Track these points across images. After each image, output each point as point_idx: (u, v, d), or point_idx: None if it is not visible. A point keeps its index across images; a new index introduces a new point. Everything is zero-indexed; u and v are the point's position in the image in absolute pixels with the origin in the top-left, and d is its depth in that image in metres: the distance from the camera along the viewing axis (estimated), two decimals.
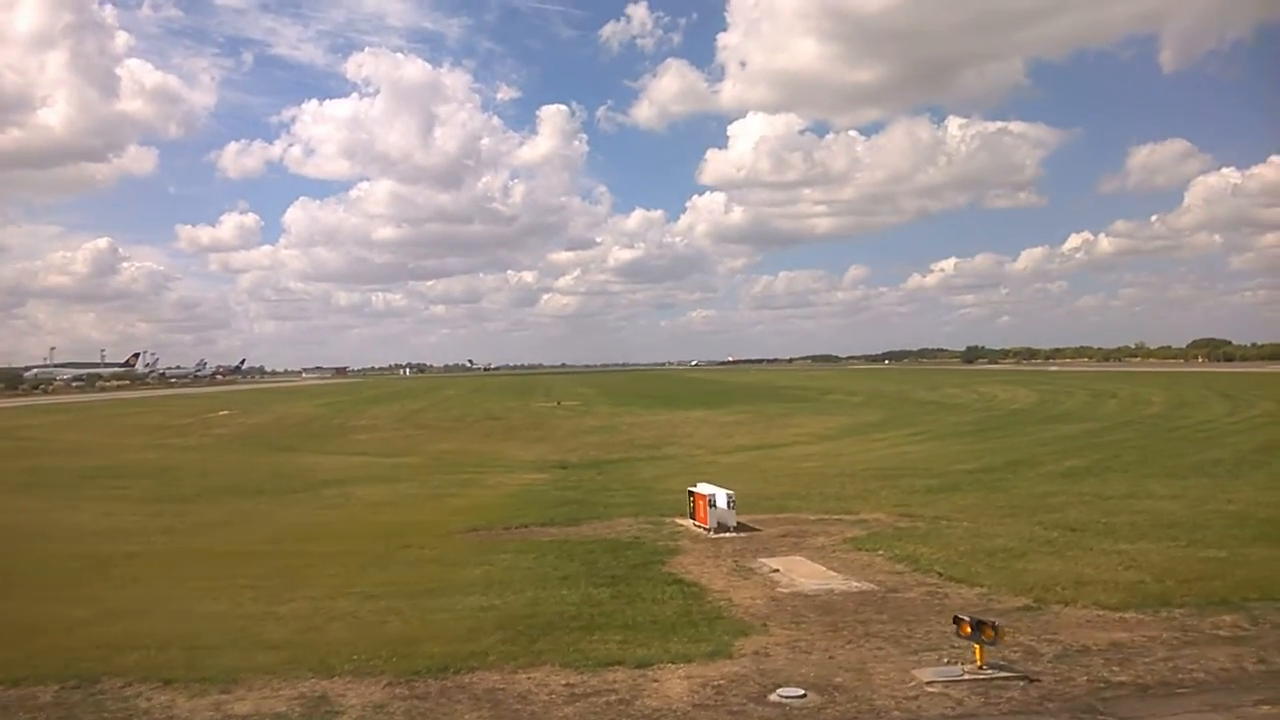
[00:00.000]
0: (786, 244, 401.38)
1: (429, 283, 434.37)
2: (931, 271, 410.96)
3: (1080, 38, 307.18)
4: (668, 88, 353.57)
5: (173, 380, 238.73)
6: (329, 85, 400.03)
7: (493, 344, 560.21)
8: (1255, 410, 55.63)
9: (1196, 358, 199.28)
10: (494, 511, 25.33)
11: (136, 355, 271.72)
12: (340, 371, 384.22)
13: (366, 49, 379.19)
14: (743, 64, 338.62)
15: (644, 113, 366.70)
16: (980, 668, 10.98)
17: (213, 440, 57.64)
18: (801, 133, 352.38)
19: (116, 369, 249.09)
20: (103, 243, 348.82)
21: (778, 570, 17.14)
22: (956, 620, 11.23)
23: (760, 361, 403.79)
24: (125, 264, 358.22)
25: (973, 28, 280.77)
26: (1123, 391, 78.60)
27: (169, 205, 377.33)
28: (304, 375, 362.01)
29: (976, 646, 11.02)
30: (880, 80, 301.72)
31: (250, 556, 19.50)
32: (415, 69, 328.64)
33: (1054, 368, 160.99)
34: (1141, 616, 13.31)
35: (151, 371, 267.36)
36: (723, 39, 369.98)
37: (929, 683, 10.72)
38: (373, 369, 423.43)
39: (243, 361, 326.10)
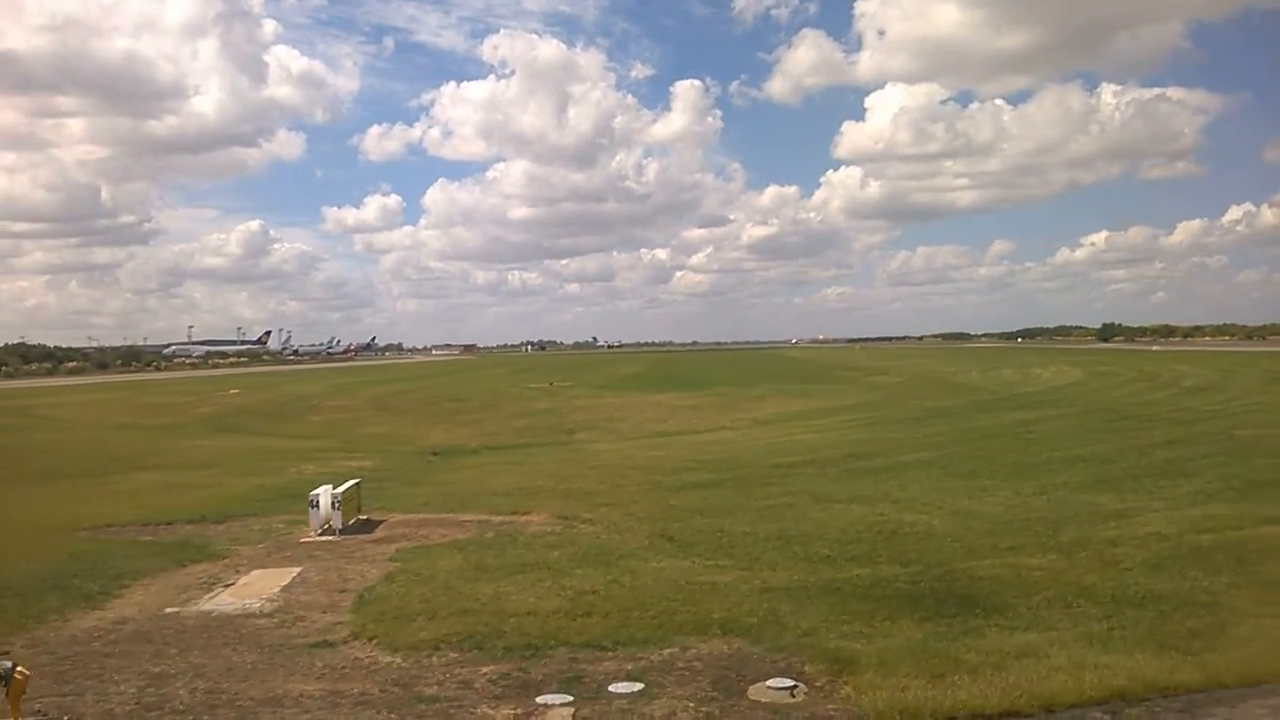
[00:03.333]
0: (926, 218, 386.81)
1: (563, 261, 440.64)
2: (1081, 246, 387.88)
3: None
4: (802, 59, 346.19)
5: (289, 357, 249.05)
6: (466, 68, 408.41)
7: (626, 322, 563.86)
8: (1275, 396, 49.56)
9: None
10: (192, 506, 24.21)
11: (268, 333, 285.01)
12: (468, 349, 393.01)
13: (502, 31, 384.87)
14: (881, 33, 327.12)
15: (778, 86, 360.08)
16: None
17: (186, 420, 59.05)
18: (943, 103, 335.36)
19: (248, 346, 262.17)
20: (255, 224, 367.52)
21: (234, 584, 15.54)
22: None
23: (888, 340, 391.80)
24: (276, 245, 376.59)
25: None
26: (1170, 373, 71.99)
27: (316, 188, 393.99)
28: (433, 351, 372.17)
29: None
30: (1028, 46, 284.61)
31: None
32: (550, 49, 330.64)
33: (1156, 347, 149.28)
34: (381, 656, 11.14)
35: (284, 349, 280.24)
36: (860, 7, 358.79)
37: None
38: (505, 346, 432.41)
39: (373, 339, 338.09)
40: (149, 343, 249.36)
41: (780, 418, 50.45)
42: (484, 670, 10.78)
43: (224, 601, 14.41)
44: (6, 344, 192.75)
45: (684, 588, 14.03)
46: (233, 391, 75.50)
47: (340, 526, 19.88)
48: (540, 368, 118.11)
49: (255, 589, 15.13)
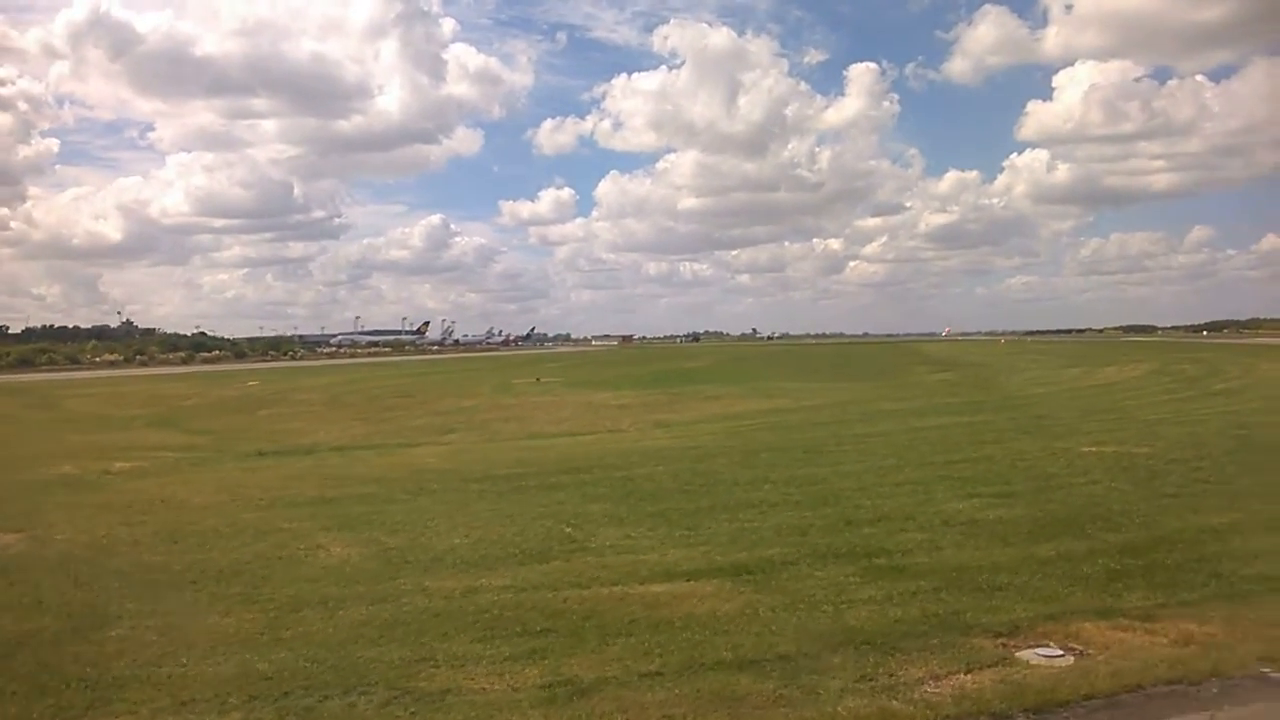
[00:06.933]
0: (1119, 203, 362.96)
1: (734, 252, 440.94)
2: None
3: None
4: (984, 37, 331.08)
5: (432, 348, 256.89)
6: (638, 60, 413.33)
7: (798, 313, 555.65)
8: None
9: None
10: None
11: (427, 323, 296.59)
12: (626, 339, 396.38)
13: (672, 20, 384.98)
14: (1068, 7, 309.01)
15: (957, 67, 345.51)
16: None
17: (157, 412, 60.22)
18: (1138, 80, 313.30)
19: (401, 336, 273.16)
20: (436, 219, 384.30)
21: None
22: None
23: (1069, 332, 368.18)
24: (456, 238, 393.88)
25: None
26: (1238, 371, 63.48)
27: (493, 182, 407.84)
28: (592, 342, 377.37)
29: None
30: (1230, 18, 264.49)
31: None
32: (720, 37, 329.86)
33: None
34: None
35: (445, 338, 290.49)
36: None
37: None
38: (669, 336, 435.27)
39: (533, 329, 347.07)
40: (325, 331, 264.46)
41: (703, 419, 46.29)
42: None
43: None
44: (179, 334, 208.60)
45: None
46: (251, 383, 77.25)
47: None
48: (587, 362, 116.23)
49: None
